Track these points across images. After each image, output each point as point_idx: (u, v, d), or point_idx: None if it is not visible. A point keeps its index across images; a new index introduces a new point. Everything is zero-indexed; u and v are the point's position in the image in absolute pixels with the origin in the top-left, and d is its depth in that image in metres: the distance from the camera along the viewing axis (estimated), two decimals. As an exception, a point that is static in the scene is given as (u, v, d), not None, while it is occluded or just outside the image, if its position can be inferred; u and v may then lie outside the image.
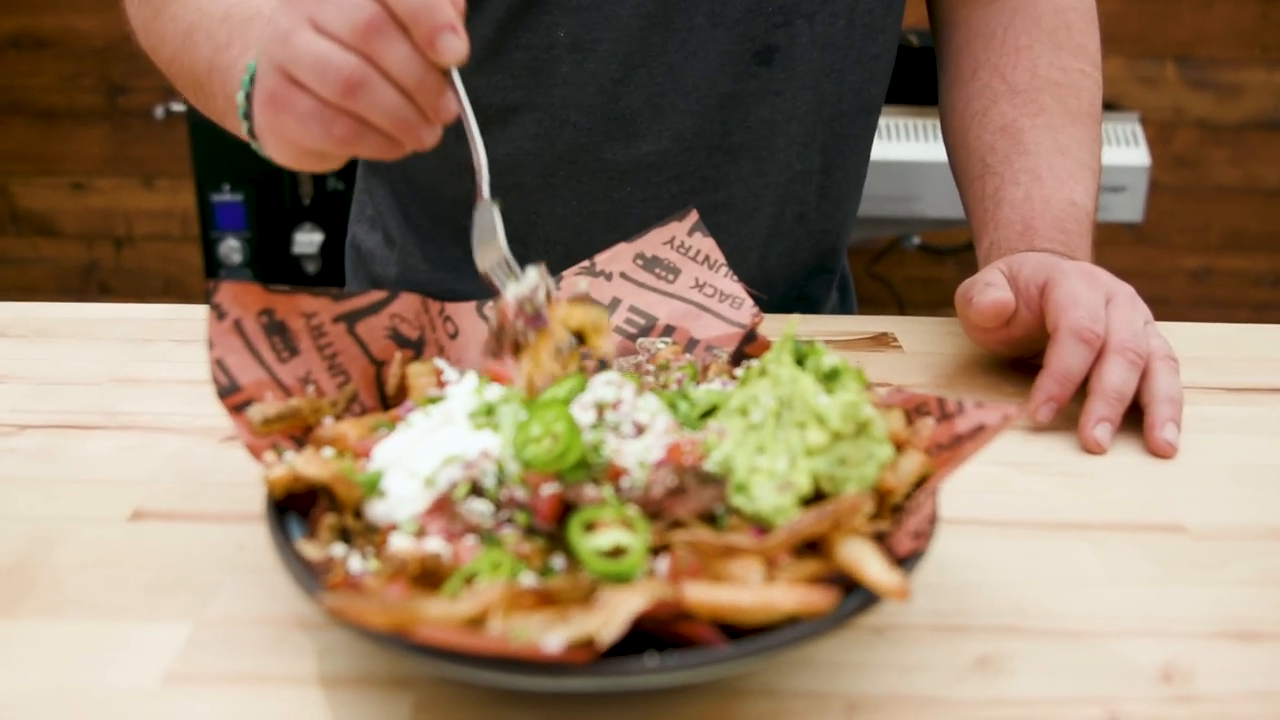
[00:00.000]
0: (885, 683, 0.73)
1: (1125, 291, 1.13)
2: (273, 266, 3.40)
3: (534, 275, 0.90)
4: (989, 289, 1.13)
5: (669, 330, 1.02)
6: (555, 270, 1.03)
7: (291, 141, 0.93)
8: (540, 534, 0.74)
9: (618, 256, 1.04)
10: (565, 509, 0.74)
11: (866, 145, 1.54)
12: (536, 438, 0.75)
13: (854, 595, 0.69)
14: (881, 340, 1.31)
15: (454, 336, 0.98)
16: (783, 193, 1.42)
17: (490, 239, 0.93)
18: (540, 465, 0.74)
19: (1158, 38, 3.56)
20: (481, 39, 1.31)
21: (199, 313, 1.31)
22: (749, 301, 1.02)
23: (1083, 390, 1.08)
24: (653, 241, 1.04)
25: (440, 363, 0.92)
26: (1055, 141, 1.30)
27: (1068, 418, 1.09)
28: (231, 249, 3.41)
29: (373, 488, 0.78)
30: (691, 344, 1.01)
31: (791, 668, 0.74)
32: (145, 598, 0.80)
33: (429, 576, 0.71)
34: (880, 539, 0.75)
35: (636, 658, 0.63)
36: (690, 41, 1.29)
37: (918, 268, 3.68)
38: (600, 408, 0.79)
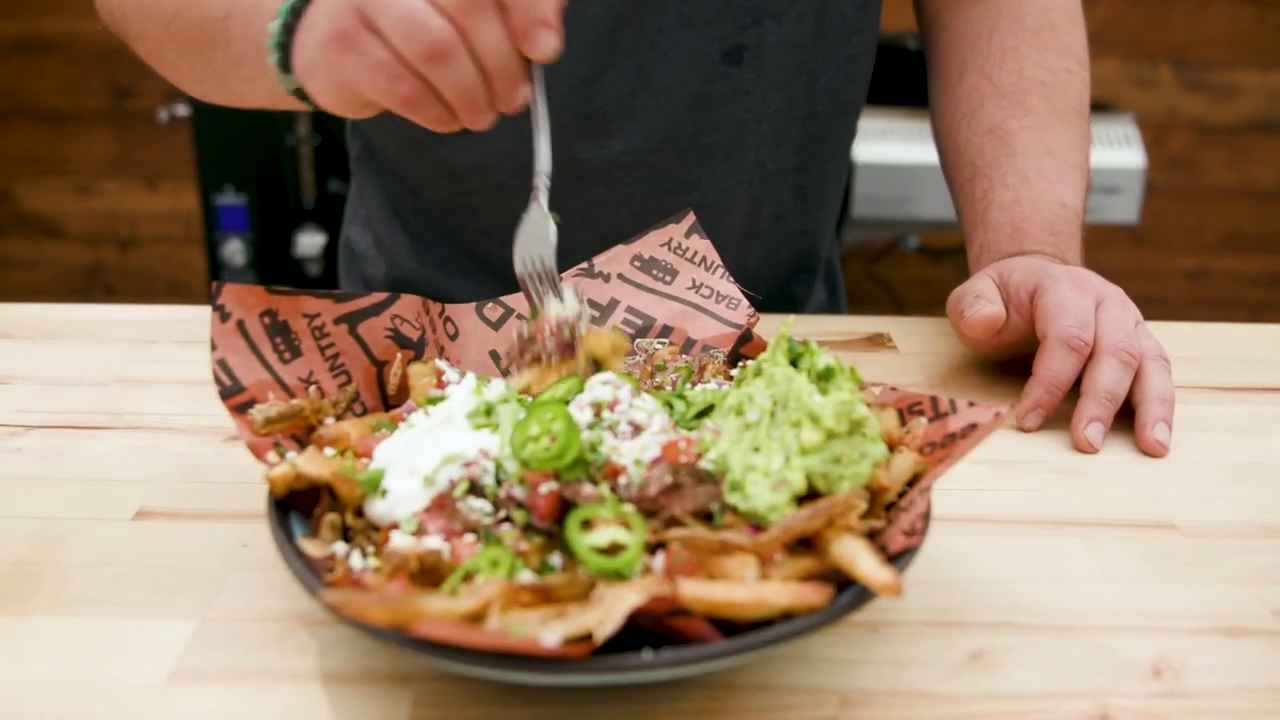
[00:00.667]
0: (879, 678, 0.74)
1: (1115, 294, 1.14)
2: (275, 268, 3.41)
3: (574, 302, 0.91)
4: (979, 302, 1.14)
5: (666, 331, 1.03)
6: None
7: (348, 87, 0.89)
8: (538, 532, 0.75)
9: (616, 258, 1.05)
10: (563, 507, 0.75)
11: (846, 146, 1.54)
12: (535, 437, 0.76)
13: (847, 591, 0.70)
14: (877, 341, 1.32)
15: (454, 337, 0.99)
16: (757, 192, 1.42)
17: (539, 247, 0.94)
18: (538, 464, 0.75)
19: (1153, 40, 3.57)
20: None
21: (202, 314, 1.32)
22: (745, 302, 1.03)
23: (1075, 390, 1.09)
24: (650, 243, 1.05)
25: (440, 363, 0.93)
26: (1043, 142, 1.31)
27: (1061, 417, 1.10)
28: (234, 251, 3.42)
29: (374, 487, 0.79)
30: (689, 344, 1.02)
31: (786, 663, 0.75)
32: (150, 595, 0.81)
33: (429, 574, 0.72)
34: (873, 536, 0.76)
35: (633, 653, 0.64)
36: (660, 41, 1.30)
37: (916, 269, 3.68)
38: (597, 407, 0.80)
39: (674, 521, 0.74)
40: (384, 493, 0.78)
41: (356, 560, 0.75)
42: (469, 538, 0.75)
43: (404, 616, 0.62)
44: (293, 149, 3.16)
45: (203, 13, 1.11)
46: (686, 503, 0.75)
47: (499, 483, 0.77)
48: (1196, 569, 0.87)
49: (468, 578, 0.71)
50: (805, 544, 0.74)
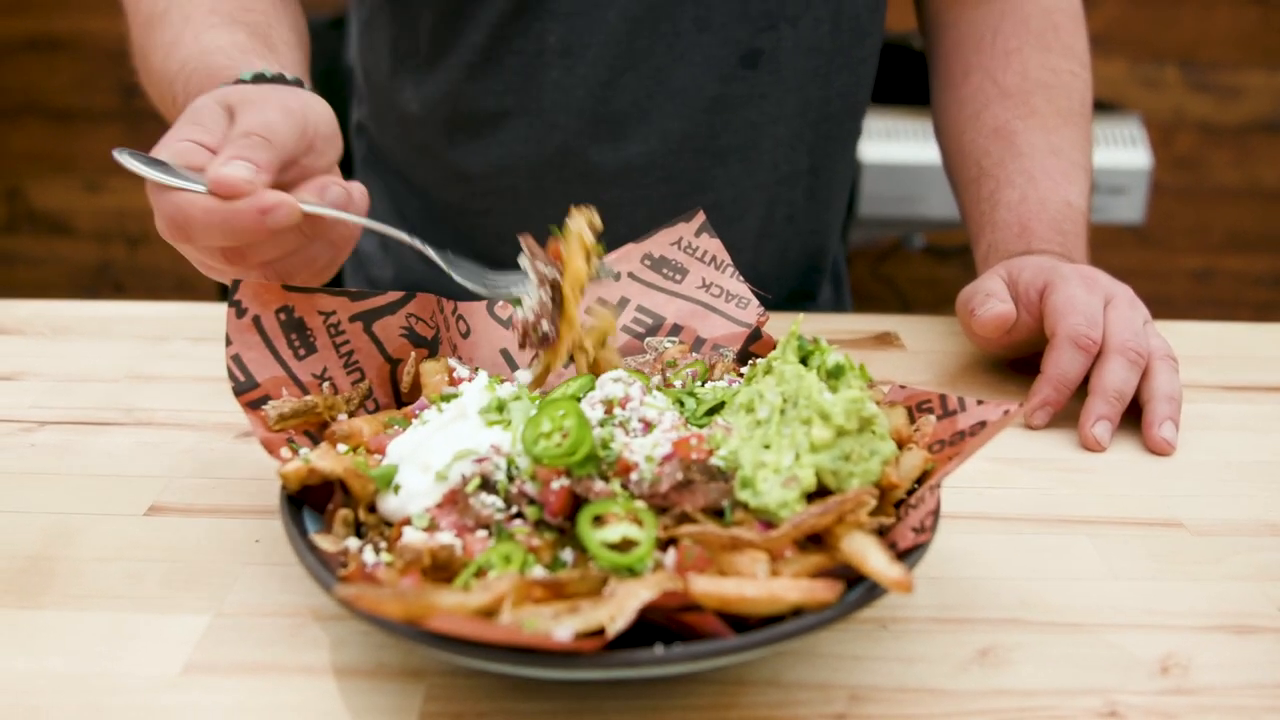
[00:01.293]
0: (888, 674, 0.75)
1: (1124, 293, 1.14)
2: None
3: (530, 298, 0.93)
4: (990, 300, 1.14)
5: (676, 330, 1.03)
6: None
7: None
8: (550, 527, 0.76)
9: (626, 256, 1.05)
10: (575, 503, 0.76)
11: (853, 146, 1.55)
12: (547, 433, 0.77)
13: (857, 588, 0.70)
14: (885, 339, 1.32)
15: (466, 335, 1.00)
16: (771, 194, 1.43)
17: (478, 281, 0.96)
18: (550, 460, 0.75)
19: (1160, 41, 3.56)
20: (474, 46, 1.33)
21: (213, 311, 1.33)
22: (755, 301, 1.03)
23: (1083, 388, 1.10)
24: (660, 242, 1.06)
25: (451, 361, 0.93)
26: (1048, 143, 1.31)
27: (1069, 415, 1.10)
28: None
29: (386, 482, 0.79)
30: (698, 343, 1.03)
31: (796, 659, 0.75)
32: (163, 590, 0.82)
33: (441, 569, 0.72)
34: (883, 533, 0.76)
35: (645, 649, 0.65)
36: (676, 45, 1.30)
37: (922, 269, 3.68)
38: (609, 404, 0.81)
39: (685, 518, 0.75)
40: (397, 488, 0.79)
41: (369, 556, 0.75)
42: (481, 533, 0.75)
43: (417, 611, 0.63)
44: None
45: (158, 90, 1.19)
46: (698, 499, 0.75)
47: (511, 479, 0.77)
48: (1203, 567, 0.88)
49: (480, 573, 0.71)
50: (816, 540, 0.74)
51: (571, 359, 0.95)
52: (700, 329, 1.03)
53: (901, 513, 0.78)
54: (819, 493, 0.77)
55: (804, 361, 0.83)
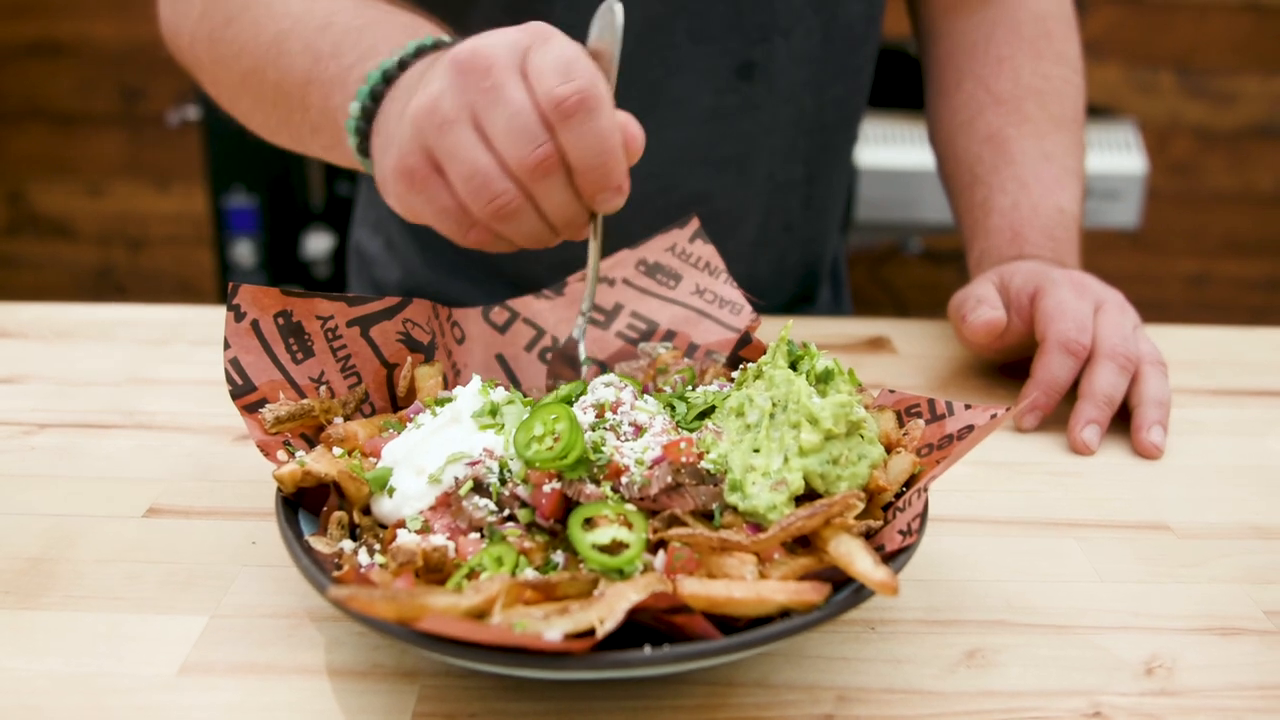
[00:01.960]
0: (876, 675, 0.75)
1: (1114, 298, 1.15)
2: (284, 270, 3.43)
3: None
4: (981, 306, 1.15)
5: (670, 335, 1.04)
6: (555, 279, 1.06)
7: (417, 216, 0.90)
8: (542, 530, 0.77)
9: (621, 263, 1.06)
10: (566, 506, 0.77)
11: (849, 153, 1.56)
12: (539, 437, 0.78)
13: (844, 590, 0.71)
14: (878, 343, 1.33)
15: (461, 341, 1.01)
16: (768, 203, 1.44)
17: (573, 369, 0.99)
18: (542, 463, 0.76)
19: (1155, 47, 3.58)
20: None
21: (213, 315, 1.34)
22: (748, 307, 1.04)
23: (1073, 393, 1.11)
24: (654, 248, 1.07)
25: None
26: (1041, 149, 1.32)
27: (1058, 419, 1.11)
28: (243, 252, 3.44)
29: (381, 485, 0.80)
30: (692, 348, 1.04)
31: (785, 660, 0.76)
32: (161, 591, 0.83)
33: (434, 571, 0.74)
34: (871, 536, 0.77)
35: (634, 649, 0.65)
36: (673, 57, 1.31)
37: (919, 273, 3.69)
38: (600, 408, 0.82)
39: (675, 520, 0.76)
40: (391, 491, 0.80)
41: (364, 557, 0.77)
42: (474, 535, 0.77)
43: (410, 612, 0.64)
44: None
45: (281, 75, 1.09)
46: (687, 502, 0.76)
47: (503, 482, 0.78)
48: (1190, 569, 0.89)
49: (472, 575, 0.72)
50: (804, 543, 0.76)
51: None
52: (694, 334, 1.04)
53: (889, 516, 0.79)
54: (807, 496, 0.78)
55: (794, 366, 0.84)
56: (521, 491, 0.77)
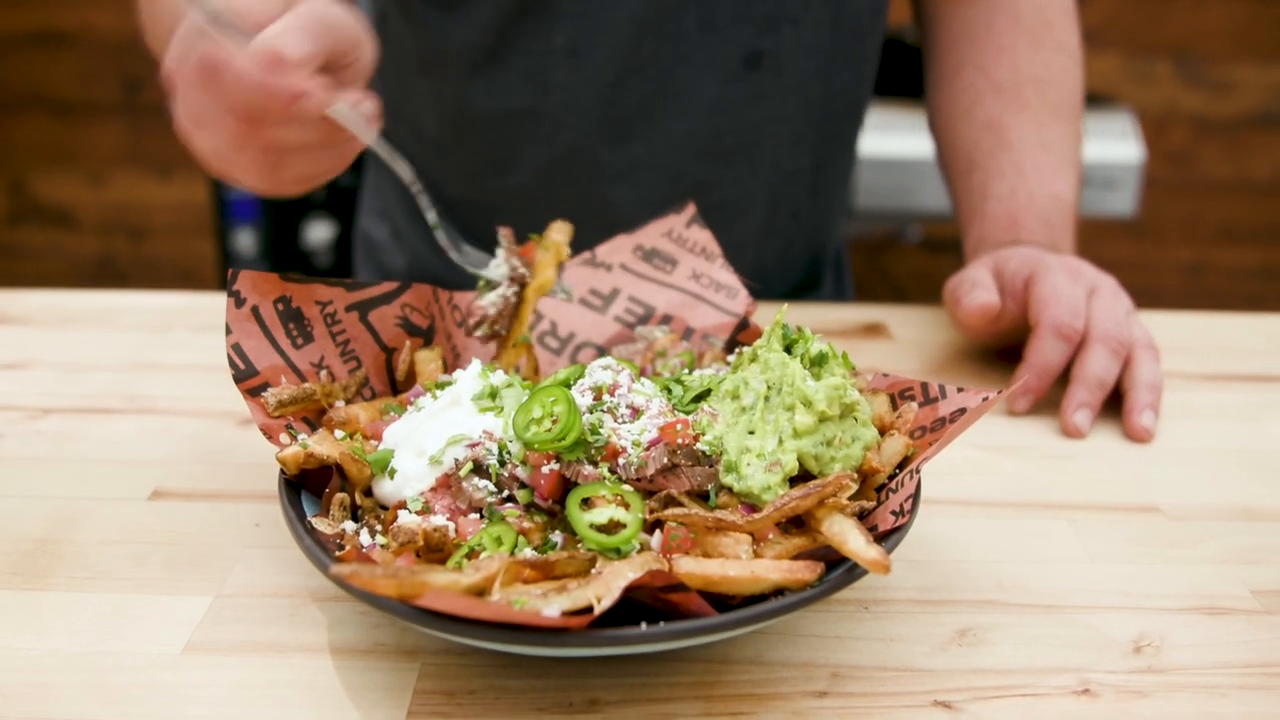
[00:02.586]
0: (868, 653, 0.77)
1: (1108, 283, 1.16)
2: (285, 259, 3.44)
3: (496, 290, 0.99)
4: (976, 289, 1.16)
5: (667, 319, 1.05)
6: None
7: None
8: (540, 510, 0.78)
9: (618, 248, 1.07)
10: (564, 486, 0.78)
11: (854, 143, 1.57)
12: (537, 419, 0.79)
13: (837, 569, 0.73)
14: (875, 329, 1.34)
15: (461, 325, 1.02)
16: (775, 193, 1.45)
17: (457, 248, 1.00)
18: (541, 445, 0.78)
19: (1153, 35, 3.58)
20: (479, 46, 1.35)
21: (215, 301, 1.35)
22: (744, 291, 1.05)
23: (1066, 376, 1.12)
24: (651, 234, 1.08)
25: None
26: (1039, 137, 1.33)
27: (1051, 403, 1.12)
28: (244, 241, 3.46)
29: (382, 467, 0.82)
30: (688, 332, 1.05)
31: (779, 639, 0.77)
32: (165, 572, 0.84)
33: (434, 550, 0.75)
34: (864, 516, 0.79)
35: (631, 626, 0.67)
36: (681, 47, 1.32)
37: (918, 262, 3.70)
38: (598, 391, 0.83)
39: (671, 501, 0.77)
40: (392, 473, 0.81)
41: (365, 538, 0.78)
42: (473, 516, 0.78)
43: (410, 590, 0.65)
44: (302, 140, 3.18)
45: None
46: (683, 483, 0.78)
47: (503, 463, 0.80)
48: (1179, 550, 0.90)
49: (472, 554, 0.74)
50: (798, 523, 0.77)
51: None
52: (690, 319, 1.05)
53: (882, 497, 0.80)
54: (802, 477, 0.79)
55: (789, 350, 0.85)
56: (520, 473, 0.78)
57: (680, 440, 0.78)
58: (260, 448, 0.87)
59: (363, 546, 0.77)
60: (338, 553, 0.75)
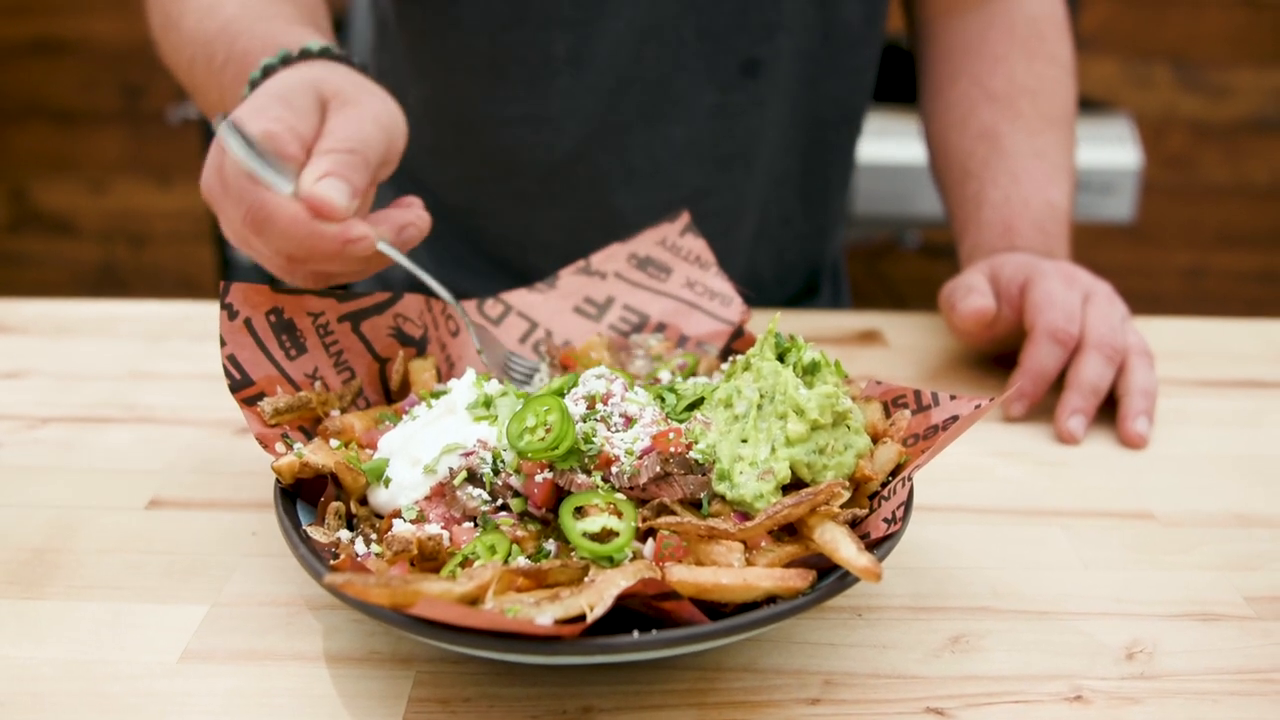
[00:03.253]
0: (862, 660, 0.77)
1: (1103, 289, 1.16)
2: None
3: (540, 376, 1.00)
4: (971, 295, 1.16)
5: (661, 327, 1.06)
6: (551, 270, 1.08)
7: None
8: (534, 519, 0.79)
9: (612, 256, 1.08)
10: (558, 495, 0.78)
11: (850, 151, 1.58)
12: (531, 428, 0.79)
13: (829, 576, 0.73)
14: (871, 336, 1.34)
15: (455, 334, 1.02)
16: (768, 198, 1.46)
17: (496, 361, 1.01)
18: (534, 454, 0.78)
19: (1150, 40, 3.58)
20: (478, 52, 1.35)
21: (213, 310, 1.35)
22: (738, 299, 1.05)
23: (1060, 383, 1.12)
24: (646, 242, 1.08)
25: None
26: (1033, 145, 1.34)
27: (1045, 409, 1.13)
28: (244, 249, 3.44)
29: (377, 476, 0.82)
30: (682, 340, 1.05)
31: (773, 646, 0.78)
32: (162, 580, 0.85)
33: (429, 559, 0.75)
34: (856, 524, 0.79)
35: (623, 634, 0.67)
36: (680, 54, 1.33)
37: (918, 267, 3.70)
38: (591, 400, 0.83)
39: (664, 509, 0.77)
40: (387, 481, 0.81)
41: (360, 546, 0.78)
42: (468, 524, 0.78)
43: (403, 598, 0.65)
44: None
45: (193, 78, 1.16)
46: (676, 491, 0.78)
47: (497, 472, 0.80)
48: (1172, 556, 0.90)
49: (466, 562, 0.74)
50: (790, 531, 0.77)
51: None
52: (684, 326, 1.05)
53: (875, 504, 0.81)
54: (794, 485, 0.79)
55: (781, 358, 0.86)
56: (514, 481, 0.79)
57: (673, 449, 0.79)
58: (257, 457, 0.87)
59: (358, 555, 0.77)
60: (332, 561, 0.75)
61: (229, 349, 0.87)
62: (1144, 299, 1.18)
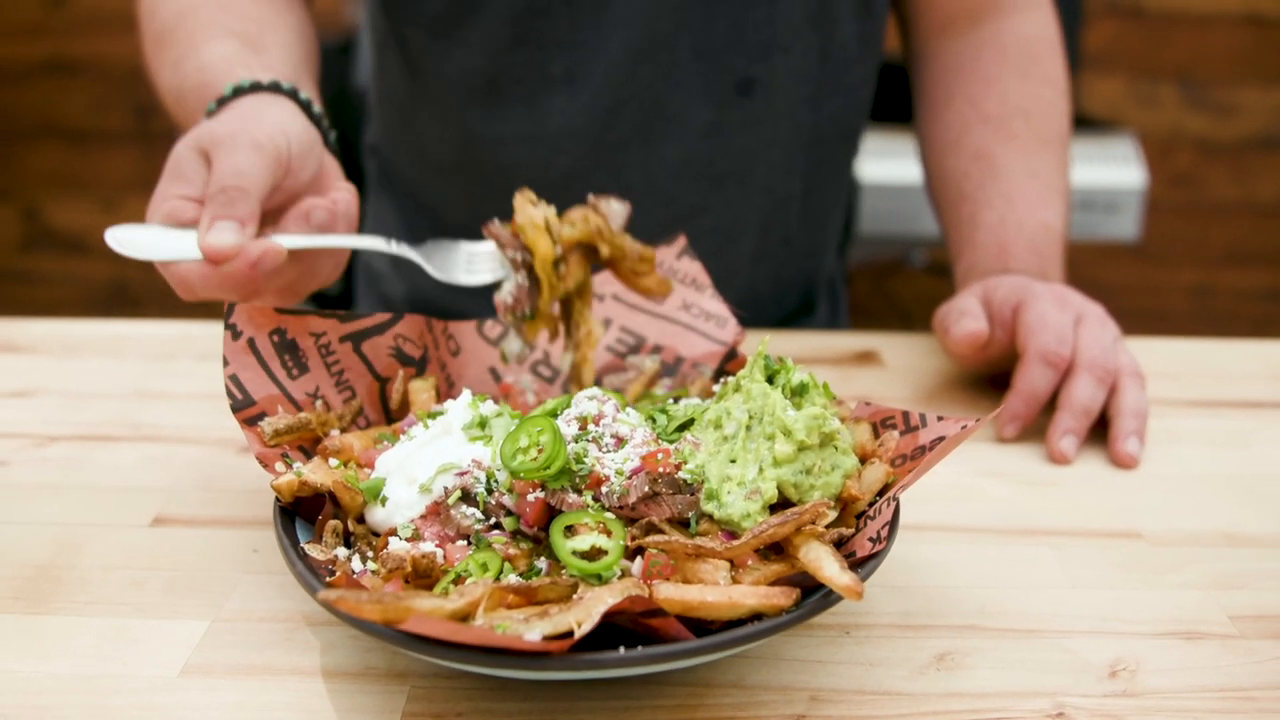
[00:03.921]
0: (848, 677, 0.78)
1: (1095, 311, 1.18)
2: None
3: (509, 282, 1.01)
4: (964, 318, 1.18)
5: (657, 349, 1.07)
6: None
7: None
8: (526, 537, 0.80)
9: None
10: (549, 514, 0.80)
11: (847, 170, 1.59)
12: (524, 448, 0.81)
13: (814, 594, 0.74)
14: (867, 357, 1.36)
15: (456, 354, 1.04)
16: (766, 218, 1.47)
17: (451, 273, 1.04)
18: (527, 474, 0.80)
19: (1156, 59, 3.60)
20: (478, 74, 1.37)
21: (218, 330, 1.35)
22: (733, 321, 1.07)
23: (1053, 403, 1.13)
24: (643, 265, 1.10)
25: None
26: (1027, 166, 1.35)
27: (1036, 430, 1.14)
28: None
29: (375, 495, 0.84)
30: (678, 361, 1.07)
31: (761, 663, 0.79)
32: (165, 596, 0.86)
33: (423, 576, 0.77)
34: (842, 543, 0.80)
35: (610, 650, 0.68)
36: (675, 73, 1.35)
37: (925, 286, 3.71)
38: (583, 421, 0.85)
39: (652, 528, 0.79)
40: (384, 500, 0.83)
41: (357, 564, 0.80)
42: (461, 543, 0.80)
43: (395, 614, 0.67)
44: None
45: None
46: (664, 510, 0.80)
47: (490, 491, 0.82)
48: (1160, 576, 0.91)
49: (458, 580, 0.76)
50: (777, 550, 0.78)
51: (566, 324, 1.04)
52: (680, 348, 1.07)
53: (862, 524, 0.82)
54: (781, 505, 0.80)
55: (771, 380, 0.87)
56: (507, 500, 0.80)
57: (661, 469, 0.80)
58: (259, 475, 0.89)
59: (354, 572, 0.79)
60: (328, 578, 0.77)
61: (232, 369, 0.89)
62: (1150, 317, 1.19)
